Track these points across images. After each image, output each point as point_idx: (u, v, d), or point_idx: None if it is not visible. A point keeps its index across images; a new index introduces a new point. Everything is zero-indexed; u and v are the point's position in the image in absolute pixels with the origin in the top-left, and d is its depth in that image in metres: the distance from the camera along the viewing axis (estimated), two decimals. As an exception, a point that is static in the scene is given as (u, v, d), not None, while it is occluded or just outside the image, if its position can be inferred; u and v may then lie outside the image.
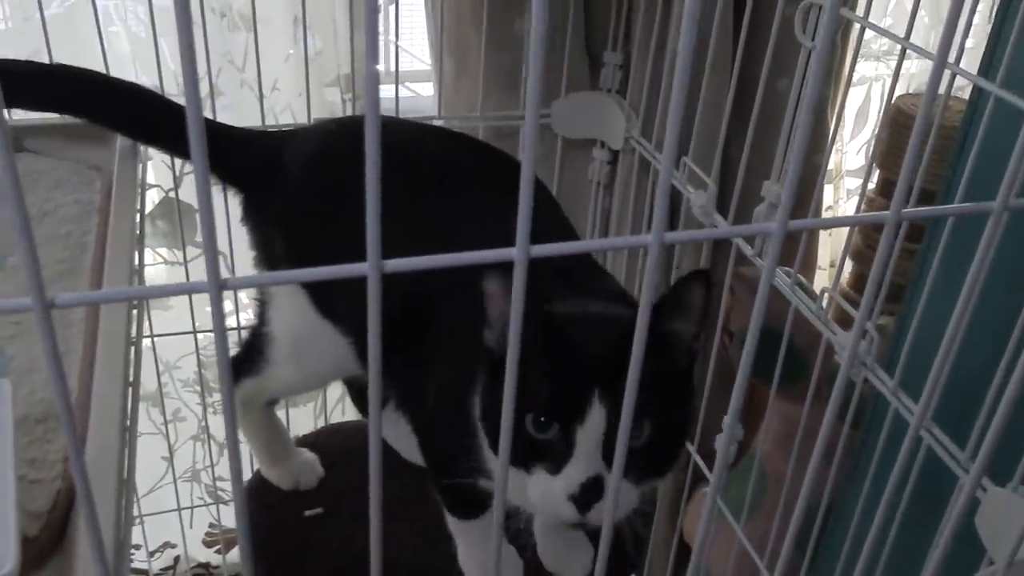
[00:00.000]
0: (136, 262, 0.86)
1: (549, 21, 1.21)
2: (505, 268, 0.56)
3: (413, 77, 1.52)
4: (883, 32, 0.81)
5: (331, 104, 1.32)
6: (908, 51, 0.78)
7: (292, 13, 1.22)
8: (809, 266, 1.50)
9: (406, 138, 0.88)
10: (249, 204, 0.92)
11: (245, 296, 1.35)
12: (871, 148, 1.73)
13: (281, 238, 0.89)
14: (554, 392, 0.63)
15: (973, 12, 0.80)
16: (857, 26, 0.84)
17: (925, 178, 0.80)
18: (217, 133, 0.91)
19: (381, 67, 1.59)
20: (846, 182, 1.73)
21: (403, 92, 1.57)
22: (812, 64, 0.84)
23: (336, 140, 0.89)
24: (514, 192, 0.31)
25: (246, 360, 0.95)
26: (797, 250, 1.03)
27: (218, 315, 0.31)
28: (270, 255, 0.91)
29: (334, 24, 1.23)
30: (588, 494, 0.62)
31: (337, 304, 0.87)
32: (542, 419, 0.63)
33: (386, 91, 1.32)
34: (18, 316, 0.74)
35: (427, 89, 1.42)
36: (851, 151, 1.74)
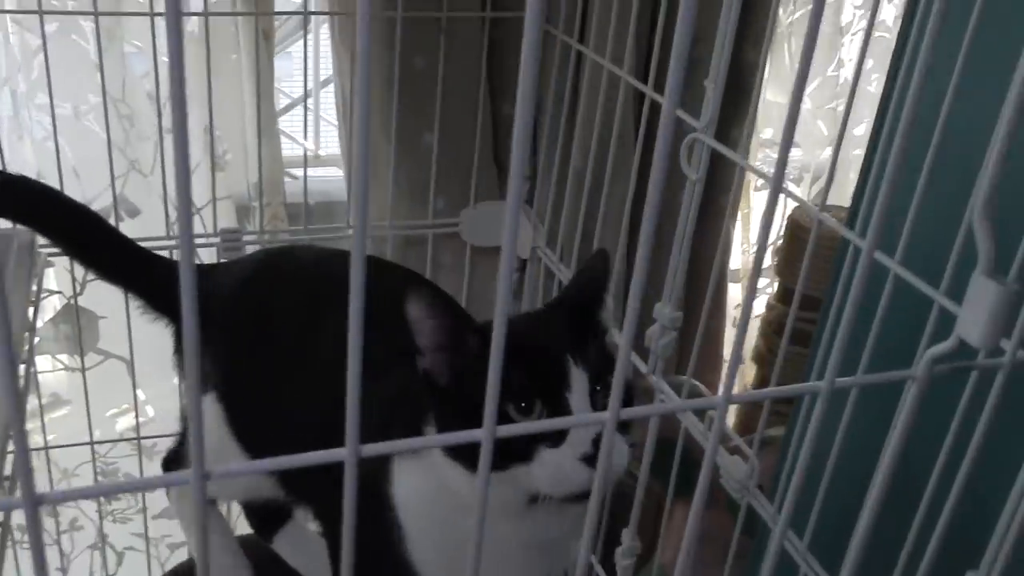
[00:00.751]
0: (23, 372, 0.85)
1: (457, 132, 1.24)
2: (424, 292, 0.64)
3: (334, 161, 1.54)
4: (756, 171, 0.85)
5: (245, 209, 1.32)
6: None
7: (202, 123, 1.23)
8: (714, 365, 1.53)
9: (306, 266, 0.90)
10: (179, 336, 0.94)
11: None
12: (775, 248, 1.79)
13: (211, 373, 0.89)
14: (527, 372, 0.65)
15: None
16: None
17: (809, 286, 0.83)
18: (148, 261, 0.93)
19: (293, 150, 1.61)
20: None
21: (325, 175, 1.58)
22: (694, 195, 0.87)
23: (261, 276, 0.90)
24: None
25: (176, 459, 0.99)
26: (689, 357, 1.06)
27: (201, 505, 0.31)
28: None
29: (243, 134, 1.24)
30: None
31: (254, 434, 0.88)
32: (523, 404, 0.65)
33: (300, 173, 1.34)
34: None
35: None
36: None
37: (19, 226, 1.08)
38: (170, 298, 0.90)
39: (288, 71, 2.00)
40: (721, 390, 0.40)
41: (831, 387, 0.39)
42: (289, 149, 1.46)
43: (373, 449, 0.34)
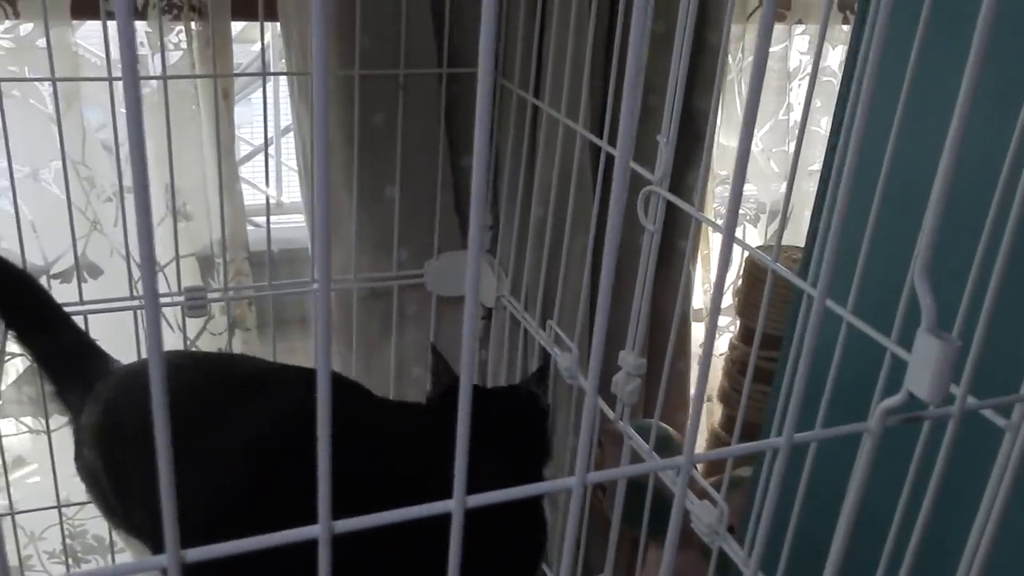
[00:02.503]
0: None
1: (418, 184, 1.25)
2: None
3: (296, 208, 1.54)
4: (709, 223, 0.88)
5: (208, 264, 1.32)
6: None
7: (163, 181, 1.23)
8: (682, 405, 1.55)
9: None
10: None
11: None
12: (734, 288, 1.82)
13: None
14: None
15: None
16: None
17: (769, 326, 0.85)
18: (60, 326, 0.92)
19: (255, 197, 1.61)
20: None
21: (288, 222, 1.59)
22: (650, 246, 0.89)
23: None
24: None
25: None
26: (655, 399, 1.07)
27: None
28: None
29: (205, 191, 1.25)
30: None
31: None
32: None
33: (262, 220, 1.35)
34: None
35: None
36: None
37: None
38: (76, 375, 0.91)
39: (248, 117, 2.01)
40: (684, 448, 0.42)
41: (790, 443, 0.41)
42: (251, 197, 1.46)
43: (345, 525, 0.34)
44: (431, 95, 1.22)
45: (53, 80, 1.04)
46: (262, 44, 1.12)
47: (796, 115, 1.68)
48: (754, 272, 1.35)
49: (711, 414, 1.87)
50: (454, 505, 0.35)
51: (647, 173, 0.89)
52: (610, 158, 1.06)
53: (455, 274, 1.32)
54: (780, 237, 0.81)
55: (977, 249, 0.55)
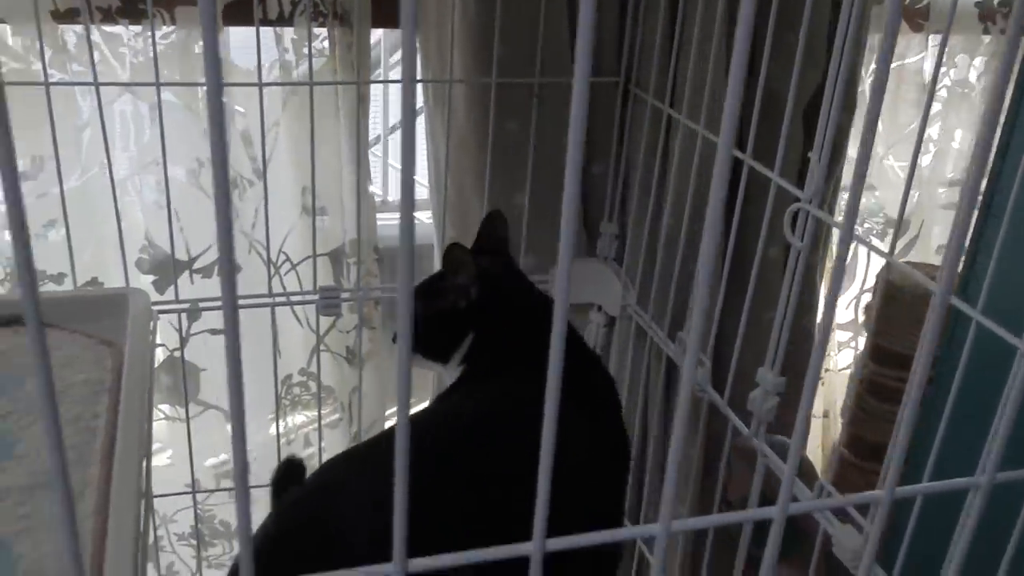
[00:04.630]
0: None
1: (546, 191, 1.26)
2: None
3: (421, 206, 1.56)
4: (864, 242, 0.86)
5: (337, 262, 1.36)
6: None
7: (300, 184, 1.27)
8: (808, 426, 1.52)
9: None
10: None
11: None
12: (859, 303, 1.78)
13: None
14: None
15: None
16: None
17: (901, 344, 0.84)
18: None
19: (384, 196, 1.65)
20: (837, 335, 1.77)
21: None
22: (799, 262, 0.88)
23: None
24: None
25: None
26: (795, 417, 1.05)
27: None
28: None
29: (340, 192, 1.28)
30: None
31: None
32: None
33: (387, 218, 1.39)
34: (27, 509, 0.75)
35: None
36: (840, 305, 1.78)
37: (133, 285, 1.13)
38: None
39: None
40: (780, 496, 0.40)
41: (991, 483, 0.40)
42: (394, 195, 1.48)
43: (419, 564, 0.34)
44: (564, 104, 1.23)
45: (157, 85, 1.08)
46: (404, 50, 1.14)
47: (932, 129, 1.63)
48: (890, 290, 1.31)
49: (827, 430, 1.83)
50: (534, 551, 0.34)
51: (796, 190, 0.87)
52: (747, 168, 1.05)
53: (579, 281, 1.32)
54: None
55: None
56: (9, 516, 0.74)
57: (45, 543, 0.71)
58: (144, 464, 0.85)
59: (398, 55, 1.62)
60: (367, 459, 0.85)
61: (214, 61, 0.28)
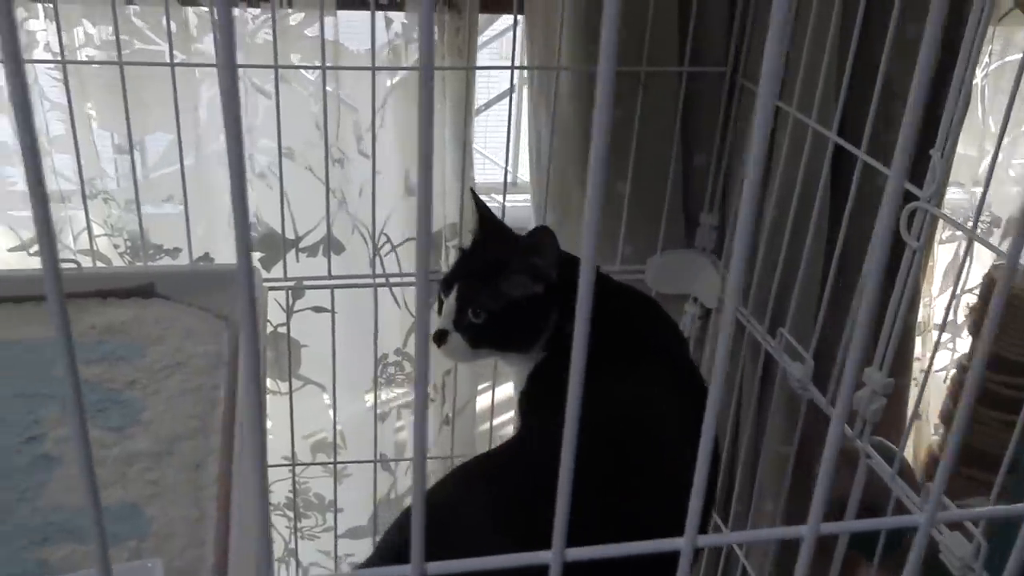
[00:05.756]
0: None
1: (649, 181, 1.26)
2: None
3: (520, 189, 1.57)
4: (985, 244, 0.84)
5: (442, 249, 1.38)
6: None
7: (404, 167, 1.29)
8: (899, 423, 1.50)
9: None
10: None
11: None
12: (957, 304, 1.73)
13: None
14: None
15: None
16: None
17: (1010, 350, 0.82)
18: None
19: (481, 179, 1.66)
20: (933, 335, 1.73)
21: (515, 201, 1.62)
22: (913, 261, 0.86)
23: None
24: None
25: None
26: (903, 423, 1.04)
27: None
28: None
29: (443, 178, 1.30)
30: (439, 338, 0.99)
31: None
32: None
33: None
34: (155, 474, 0.79)
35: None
36: (939, 305, 1.74)
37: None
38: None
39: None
40: (930, 503, 0.40)
41: None
42: (480, 175, 1.49)
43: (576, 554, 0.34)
44: (670, 93, 1.22)
45: (323, 68, 1.11)
46: (514, 35, 1.15)
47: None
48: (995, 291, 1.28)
49: (918, 432, 1.79)
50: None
51: (915, 189, 0.86)
52: (845, 157, 1.03)
53: (676, 272, 1.32)
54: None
55: None
56: (139, 481, 0.77)
57: (173, 506, 0.75)
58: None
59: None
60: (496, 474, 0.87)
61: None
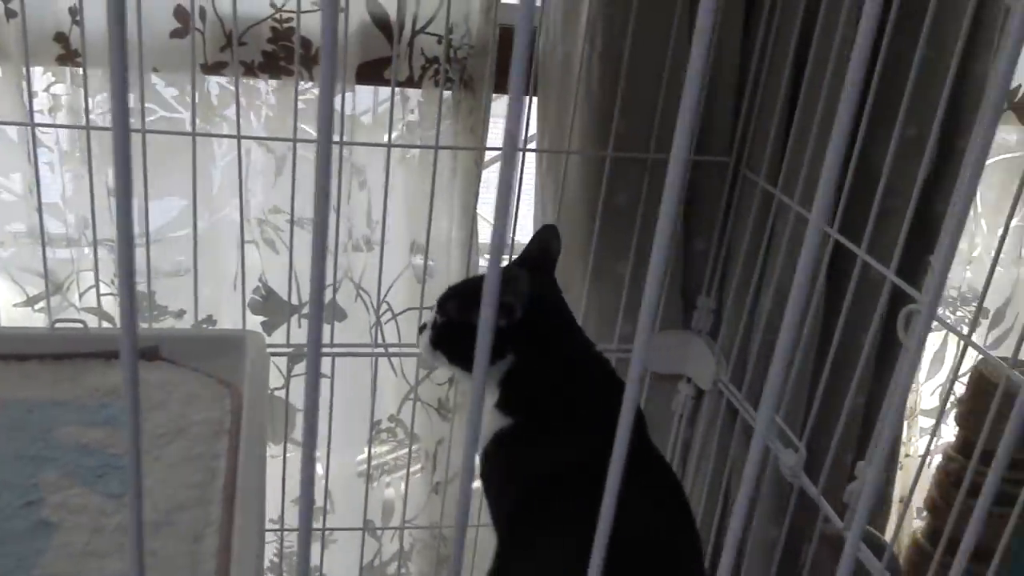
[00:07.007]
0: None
1: (648, 264, 1.28)
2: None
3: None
4: (979, 349, 0.86)
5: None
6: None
7: (411, 237, 1.31)
8: (884, 508, 1.51)
9: None
10: None
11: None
12: (944, 390, 1.76)
13: None
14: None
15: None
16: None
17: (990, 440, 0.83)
18: None
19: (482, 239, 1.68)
20: (920, 420, 1.75)
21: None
22: (905, 365, 0.88)
23: None
24: None
25: None
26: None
27: None
28: None
29: (448, 250, 1.32)
30: (421, 330, 1.04)
31: None
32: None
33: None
34: (154, 545, 0.79)
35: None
36: (925, 392, 1.77)
37: (249, 328, 1.17)
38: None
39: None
40: None
41: None
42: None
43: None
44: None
45: (341, 144, 1.14)
46: (528, 118, 1.18)
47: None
48: (981, 384, 1.30)
49: (901, 517, 1.80)
50: None
51: (914, 292, 0.89)
52: (844, 255, 1.06)
53: (672, 352, 1.34)
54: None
55: None
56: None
57: (174, 580, 0.75)
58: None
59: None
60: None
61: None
